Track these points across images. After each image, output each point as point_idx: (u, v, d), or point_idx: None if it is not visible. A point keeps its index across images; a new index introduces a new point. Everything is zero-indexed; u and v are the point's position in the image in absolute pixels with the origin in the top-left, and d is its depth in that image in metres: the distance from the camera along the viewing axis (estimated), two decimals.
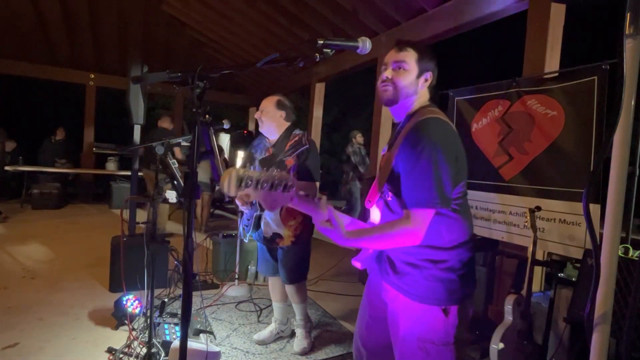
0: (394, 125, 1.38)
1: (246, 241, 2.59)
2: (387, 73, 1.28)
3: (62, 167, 7.63)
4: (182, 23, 7.17)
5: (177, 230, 5.52)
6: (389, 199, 1.28)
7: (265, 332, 2.61)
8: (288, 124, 2.37)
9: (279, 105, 2.33)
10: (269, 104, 2.33)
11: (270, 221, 2.33)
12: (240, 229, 2.49)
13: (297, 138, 2.29)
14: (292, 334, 2.65)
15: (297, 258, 2.38)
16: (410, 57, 1.26)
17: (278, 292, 2.59)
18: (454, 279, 1.21)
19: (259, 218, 2.37)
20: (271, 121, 2.32)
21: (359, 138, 6.31)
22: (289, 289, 2.45)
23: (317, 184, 2.28)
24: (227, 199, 5.92)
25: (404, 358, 1.26)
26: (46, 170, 7.33)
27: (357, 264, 1.39)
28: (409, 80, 1.26)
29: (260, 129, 2.41)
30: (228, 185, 1.02)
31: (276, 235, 2.33)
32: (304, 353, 2.46)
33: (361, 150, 6.26)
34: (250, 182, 1.01)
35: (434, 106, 1.29)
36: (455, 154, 1.19)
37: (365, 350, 1.44)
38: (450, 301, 1.21)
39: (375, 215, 1.36)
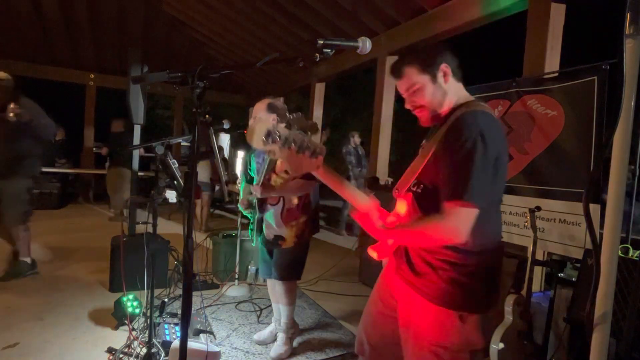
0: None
1: (253, 245, 2.57)
2: (409, 102, 1.24)
3: (62, 167, 7.62)
4: (182, 23, 7.17)
5: (177, 230, 5.51)
6: (419, 191, 1.21)
7: (265, 332, 2.61)
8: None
9: (270, 109, 2.32)
10: (260, 110, 2.33)
11: (272, 222, 2.33)
12: (250, 233, 2.49)
13: None
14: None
15: (293, 257, 2.37)
16: (413, 75, 1.20)
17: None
18: (475, 285, 1.14)
19: (260, 221, 2.38)
20: None
21: (356, 138, 6.34)
22: (279, 287, 2.41)
23: (316, 182, 2.28)
24: (227, 199, 5.92)
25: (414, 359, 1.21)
26: (46, 170, 7.32)
27: (374, 254, 1.25)
28: (430, 91, 1.20)
29: None
30: (254, 138, 0.95)
31: (278, 238, 2.33)
32: (279, 359, 2.39)
33: (358, 150, 6.29)
34: (278, 138, 0.95)
35: (480, 101, 1.24)
36: (497, 152, 1.09)
37: (369, 346, 1.39)
38: (468, 308, 1.15)
39: (401, 207, 1.26)
